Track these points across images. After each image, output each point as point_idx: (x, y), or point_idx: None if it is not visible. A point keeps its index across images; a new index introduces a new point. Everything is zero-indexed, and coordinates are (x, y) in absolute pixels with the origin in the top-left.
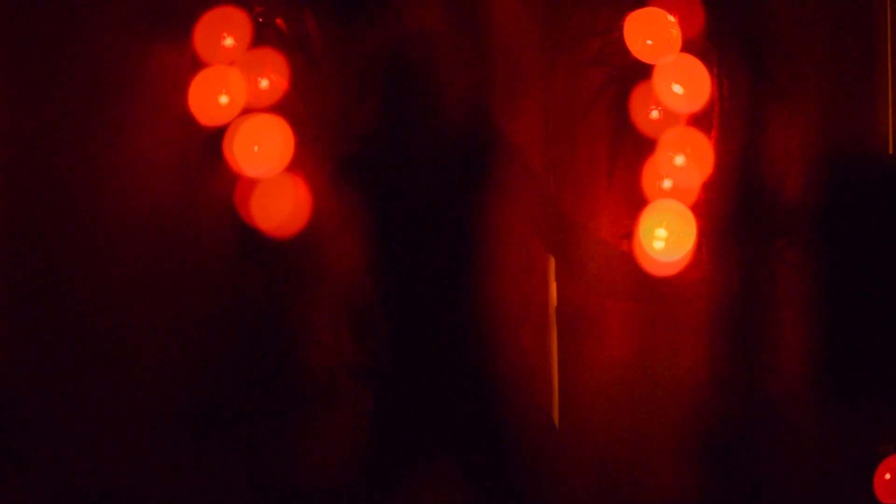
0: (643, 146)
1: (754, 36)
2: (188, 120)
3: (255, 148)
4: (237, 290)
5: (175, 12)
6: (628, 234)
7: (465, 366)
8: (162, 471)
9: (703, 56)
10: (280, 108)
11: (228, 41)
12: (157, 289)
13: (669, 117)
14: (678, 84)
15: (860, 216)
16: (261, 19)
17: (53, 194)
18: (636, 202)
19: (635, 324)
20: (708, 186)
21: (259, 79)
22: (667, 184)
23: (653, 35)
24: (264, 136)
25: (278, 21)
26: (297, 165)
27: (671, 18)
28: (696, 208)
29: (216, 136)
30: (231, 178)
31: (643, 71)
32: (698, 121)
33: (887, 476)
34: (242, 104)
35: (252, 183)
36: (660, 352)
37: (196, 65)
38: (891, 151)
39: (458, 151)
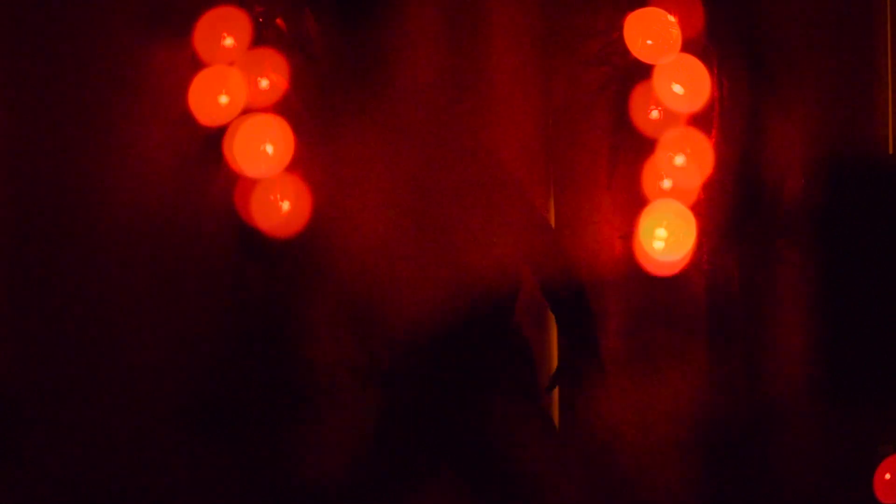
0: (643, 146)
1: (754, 36)
2: (188, 120)
3: (255, 148)
4: (237, 290)
5: (175, 12)
6: (628, 234)
7: (464, 367)
8: (162, 470)
9: (703, 56)
10: (280, 108)
11: (228, 41)
12: (156, 288)
13: (669, 117)
14: (678, 84)
15: (860, 216)
16: (261, 19)
17: (53, 194)
18: (636, 202)
19: (635, 324)
20: (708, 186)
21: (259, 79)
22: (667, 184)
23: (653, 35)
24: (264, 136)
25: (278, 21)
26: (296, 165)
27: (671, 18)
28: (696, 208)
29: (216, 136)
30: (231, 178)
31: (643, 71)
32: (698, 121)
33: (887, 476)
34: (242, 104)
35: (252, 183)
36: (660, 352)
37: (196, 65)
38: (891, 151)
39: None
